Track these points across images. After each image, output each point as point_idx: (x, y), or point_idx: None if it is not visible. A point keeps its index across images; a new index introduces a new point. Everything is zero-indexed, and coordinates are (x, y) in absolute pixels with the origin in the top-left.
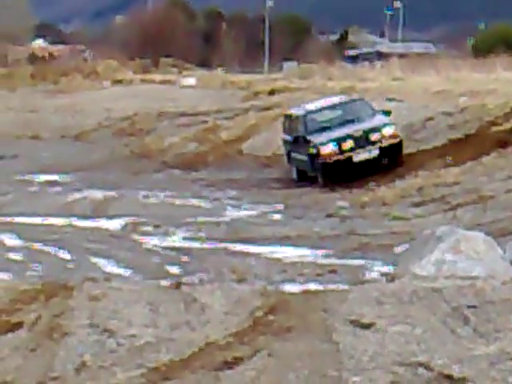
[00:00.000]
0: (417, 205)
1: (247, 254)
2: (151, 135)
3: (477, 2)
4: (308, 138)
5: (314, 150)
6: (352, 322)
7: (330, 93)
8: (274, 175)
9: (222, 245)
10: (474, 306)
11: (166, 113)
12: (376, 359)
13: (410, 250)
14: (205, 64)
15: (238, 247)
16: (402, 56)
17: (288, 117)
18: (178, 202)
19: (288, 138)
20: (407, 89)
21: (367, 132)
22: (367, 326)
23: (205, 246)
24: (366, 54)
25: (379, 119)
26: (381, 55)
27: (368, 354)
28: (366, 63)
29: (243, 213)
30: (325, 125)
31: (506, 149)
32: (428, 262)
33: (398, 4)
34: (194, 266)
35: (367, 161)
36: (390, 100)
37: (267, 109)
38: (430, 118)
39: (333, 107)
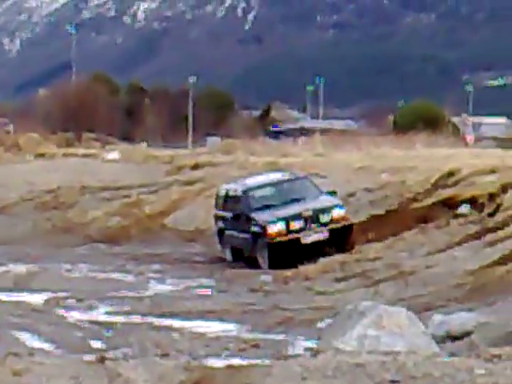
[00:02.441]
0: (339, 280)
1: (171, 329)
2: (74, 209)
3: (396, 80)
4: (251, 215)
5: (258, 229)
6: None
7: (252, 168)
8: (198, 249)
9: (146, 319)
10: (397, 381)
11: (88, 187)
12: None
13: (333, 324)
14: (128, 138)
15: (162, 322)
16: (324, 132)
17: (224, 192)
18: (101, 275)
19: (223, 214)
20: (329, 164)
21: (317, 212)
22: None
23: (128, 320)
24: (290, 130)
25: (328, 200)
26: (304, 131)
27: None
28: (290, 139)
29: (167, 287)
30: (269, 202)
31: (427, 225)
32: (351, 336)
33: (320, 80)
34: (118, 340)
35: (316, 243)
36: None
37: (191, 183)
38: (352, 194)
39: (276, 184)
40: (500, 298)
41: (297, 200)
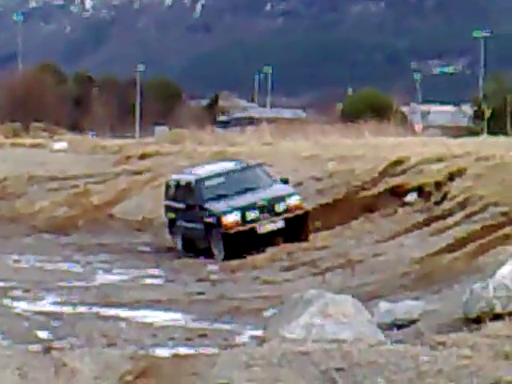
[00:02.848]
0: (287, 269)
1: (118, 319)
2: (21, 199)
3: (345, 68)
4: (205, 206)
5: (212, 220)
6: None
7: (200, 158)
8: (146, 239)
9: (93, 309)
10: (342, 369)
11: (36, 177)
12: None
13: (280, 313)
14: (76, 128)
15: (109, 311)
16: (272, 121)
17: (174, 183)
18: (48, 266)
19: (174, 204)
20: (277, 154)
21: (272, 201)
22: None
23: (75, 310)
24: (238, 119)
25: (282, 188)
26: (252, 120)
27: None
28: (238, 128)
29: (114, 277)
30: (222, 192)
31: (374, 213)
32: (297, 325)
33: (267, 69)
34: (65, 330)
35: (271, 232)
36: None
37: (138, 173)
38: (300, 183)
39: (228, 173)
40: (446, 285)
41: (250, 189)
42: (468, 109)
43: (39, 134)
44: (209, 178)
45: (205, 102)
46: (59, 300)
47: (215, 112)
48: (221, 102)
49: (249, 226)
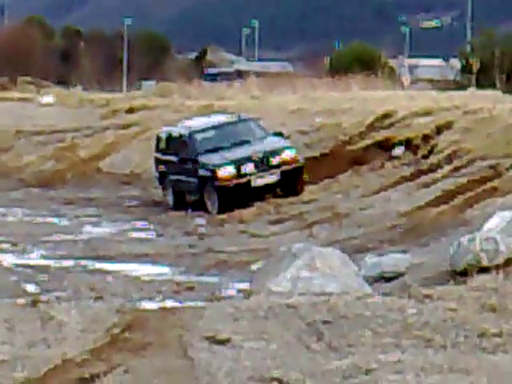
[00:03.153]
0: (274, 222)
1: (105, 272)
2: (8, 153)
3: (333, 22)
4: (199, 158)
5: (206, 173)
6: (208, 338)
7: (188, 111)
8: (133, 193)
9: (80, 263)
10: (328, 322)
11: (23, 131)
12: (231, 375)
13: (266, 266)
14: (63, 82)
15: (97, 265)
16: (259, 75)
17: (166, 135)
18: (35, 220)
19: (165, 158)
20: (264, 107)
21: (267, 154)
22: (223, 342)
23: (63, 264)
24: (226, 73)
25: (277, 141)
26: (240, 74)
27: (223, 369)
28: (226, 82)
29: (102, 230)
30: (216, 145)
31: (361, 167)
32: (284, 278)
33: (255, 23)
34: (52, 284)
35: (266, 186)
36: None
37: (126, 127)
38: (287, 137)
39: (222, 126)
40: (433, 239)
41: (245, 142)
42: (456, 62)
43: (26, 87)
44: (202, 130)
45: (192, 56)
46: (46, 254)
47: (203, 66)
48: (208, 56)
49: (244, 179)
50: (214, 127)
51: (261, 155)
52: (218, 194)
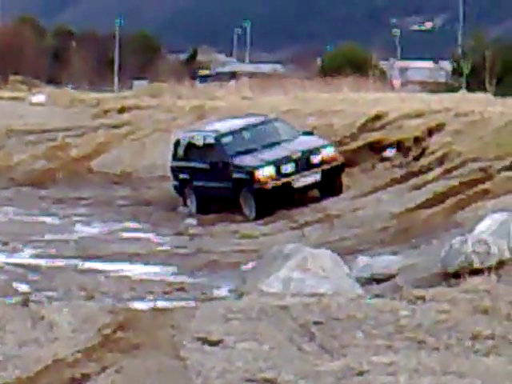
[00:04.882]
0: (265, 223)
1: (96, 272)
2: None
3: (325, 24)
4: (232, 161)
5: (243, 175)
6: (200, 338)
7: (179, 112)
8: (124, 192)
9: (71, 262)
10: (321, 323)
11: (14, 130)
12: (224, 376)
13: (258, 267)
14: (54, 81)
15: (87, 265)
16: (251, 76)
17: (185, 142)
18: (26, 219)
19: (187, 165)
20: (256, 108)
21: (307, 153)
22: (215, 343)
23: (54, 263)
24: (219, 74)
25: (314, 139)
26: (233, 75)
27: (216, 370)
28: (217, 83)
29: (93, 230)
30: (248, 147)
31: (353, 168)
32: (276, 279)
33: (247, 24)
34: (43, 283)
35: (307, 186)
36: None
37: (117, 126)
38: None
39: (249, 128)
40: (424, 240)
41: (276, 142)
42: (447, 65)
43: (18, 86)
44: (230, 133)
45: (184, 56)
46: (37, 253)
47: (194, 66)
48: (199, 57)
49: (284, 180)
50: (241, 129)
51: (300, 154)
52: (255, 197)
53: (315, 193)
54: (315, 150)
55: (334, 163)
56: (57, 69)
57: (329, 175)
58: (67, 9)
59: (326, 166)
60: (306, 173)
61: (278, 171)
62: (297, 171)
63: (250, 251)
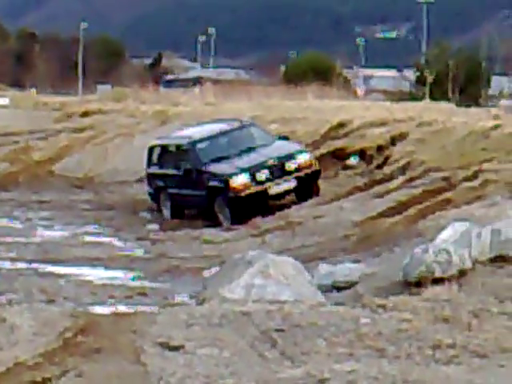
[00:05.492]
0: (227, 229)
1: (57, 276)
2: None
3: (289, 31)
4: (206, 169)
5: (217, 183)
6: (161, 344)
7: (142, 116)
8: (86, 197)
9: (32, 265)
10: (282, 330)
11: None
12: (184, 381)
13: (220, 273)
14: (17, 84)
15: (49, 268)
16: (215, 82)
17: (160, 148)
18: None
19: (161, 171)
20: (219, 114)
21: (282, 160)
22: (176, 348)
23: (14, 266)
24: (184, 80)
25: (288, 145)
26: (200, 80)
27: (176, 376)
28: (181, 88)
29: (54, 233)
30: (222, 154)
31: None
32: (237, 285)
33: (211, 30)
34: (3, 286)
35: (283, 193)
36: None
37: (80, 130)
38: None
39: (224, 133)
40: (386, 249)
41: (252, 149)
42: (411, 74)
43: None
44: (204, 139)
45: (148, 61)
46: None
47: (158, 71)
48: (163, 62)
49: (259, 187)
50: (216, 135)
51: (276, 161)
52: (230, 205)
53: (292, 199)
54: (291, 156)
55: (310, 169)
56: (20, 72)
57: (305, 181)
58: (30, 12)
59: (301, 173)
60: (281, 180)
61: (253, 178)
62: (272, 178)
63: (212, 257)
